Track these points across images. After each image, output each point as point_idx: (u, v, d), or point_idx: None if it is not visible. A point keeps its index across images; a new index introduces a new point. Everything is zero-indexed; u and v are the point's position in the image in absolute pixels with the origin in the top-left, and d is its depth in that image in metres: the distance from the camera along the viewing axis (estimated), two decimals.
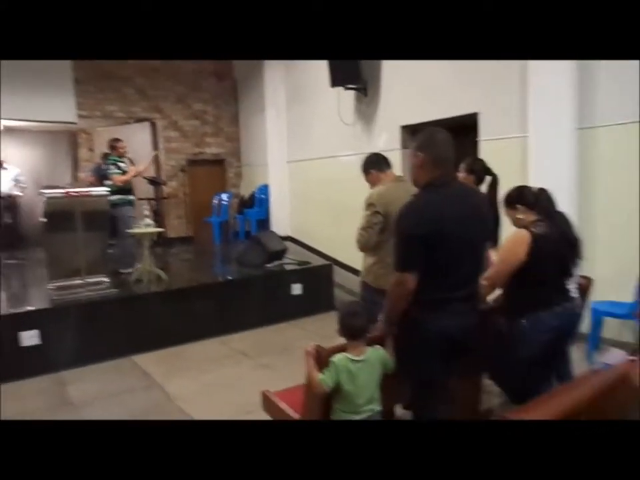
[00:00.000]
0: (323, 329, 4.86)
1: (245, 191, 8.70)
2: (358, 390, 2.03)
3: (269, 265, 5.45)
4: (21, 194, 7.70)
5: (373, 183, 2.90)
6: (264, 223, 7.88)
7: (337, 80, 5.72)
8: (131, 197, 5.35)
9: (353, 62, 5.54)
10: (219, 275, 6.13)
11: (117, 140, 5.45)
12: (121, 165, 5.33)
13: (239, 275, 5.43)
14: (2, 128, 7.93)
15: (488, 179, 2.97)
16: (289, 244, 6.56)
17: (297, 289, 5.26)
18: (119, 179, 5.19)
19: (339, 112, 6.17)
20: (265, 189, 8.01)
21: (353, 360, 2.03)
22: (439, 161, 1.92)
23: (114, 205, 5.05)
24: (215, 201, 8.25)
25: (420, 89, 5.19)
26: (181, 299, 4.66)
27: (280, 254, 5.64)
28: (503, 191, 2.59)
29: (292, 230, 7.61)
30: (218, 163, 8.82)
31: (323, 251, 6.73)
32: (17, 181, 7.71)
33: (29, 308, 4.19)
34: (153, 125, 8.28)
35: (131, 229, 4.96)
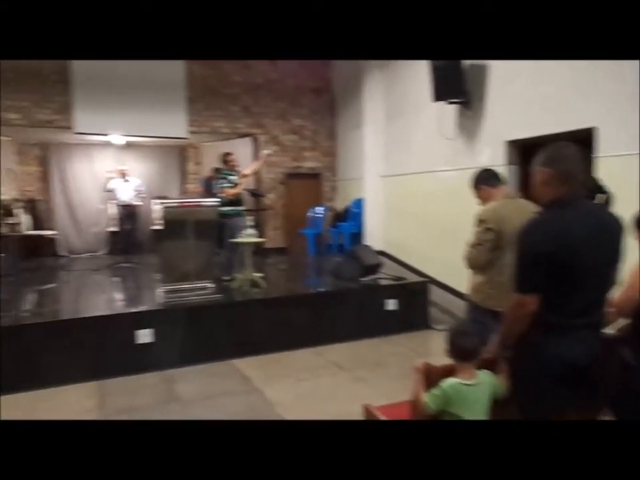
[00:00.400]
0: (418, 346, 4.77)
1: (340, 204, 8.80)
2: (467, 414, 1.96)
3: (363, 279, 5.44)
4: (140, 203, 8.40)
5: (483, 199, 2.81)
6: (357, 236, 7.90)
7: (440, 94, 5.63)
8: (241, 208, 5.64)
9: (457, 75, 5.42)
10: (313, 286, 6.23)
11: (229, 154, 5.76)
12: (232, 177, 5.63)
13: (334, 287, 5.47)
14: (124, 143, 8.76)
15: (600, 196, 2.76)
16: (383, 258, 6.53)
17: (391, 304, 5.20)
18: (230, 191, 5.50)
19: (439, 126, 6.08)
20: (359, 203, 8.05)
21: (464, 384, 1.96)
22: (567, 177, 1.82)
23: (225, 215, 5.36)
24: (310, 214, 8.42)
25: (529, 102, 4.95)
26: (278, 307, 4.80)
27: (375, 268, 5.62)
28: (619, 210, 2.40)
29: (385, 244, 7.56)
30: (314, 176, 9.03)
31: (417, 267, 6.61)
32: (137, 191, 8.42)
33: (145, 308, 4.53)
34: (255, 140, 8.67)
35: (235, 239, 5.20)
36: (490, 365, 2.04)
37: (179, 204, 4.71)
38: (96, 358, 4.01)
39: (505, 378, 2.00)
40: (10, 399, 3.54)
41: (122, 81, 7.37)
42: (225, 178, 5.61)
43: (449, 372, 2.01)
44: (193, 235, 4.67)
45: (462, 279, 3.07)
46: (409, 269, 6.66)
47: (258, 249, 7.70)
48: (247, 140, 8.71)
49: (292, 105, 8.74)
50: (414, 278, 5.88)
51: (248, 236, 5.07)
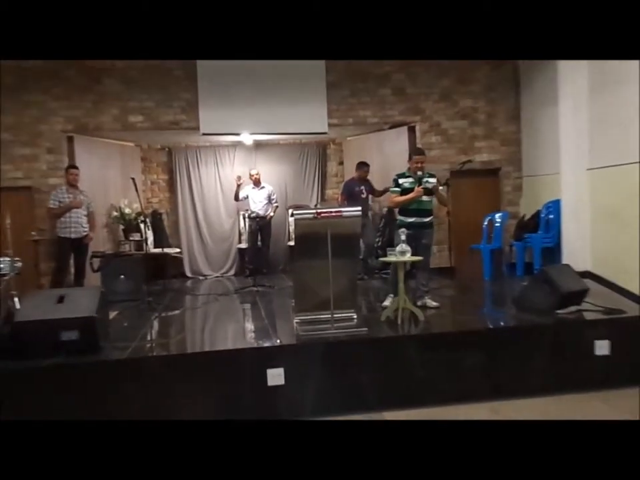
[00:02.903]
0: None
1: (527, 209, 8.43)
2: None
3: (561, 311, 5.20)
4: (272, 214, 8.97)
5: None
6: (552, 252, 7.52)
7: None
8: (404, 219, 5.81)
9: None
10: (490, 319, 6.02)
11: (420, 151, 6.03)
12: (405, 182, 5.81)
13: (519, 321, 5.30)
14: (251, 143, 9.45)
15: None
16: (588, 282, 6.18)
17: (602, 347, 4.83)
18: (396, 199, 5.77)
19: None
20: (554, 207, 7.62)
21: None
22: None
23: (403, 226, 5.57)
24: (486, 223, 8.19)
25: None
26: (441, 346, 4.72)
27: (577, 296, 5.35)
28: None
29: (593, 263, 7.05)
30: (490, 173, 8.78)
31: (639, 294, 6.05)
32: (270, 200, 9.02)
33: (278, 342, 4.81)
34: (411, 130, 8.71)
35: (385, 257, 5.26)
36: None
37: (315, 214, 4.88)
38: (221, 401, 4.33)
39: None
40: None
41: (249, 71, 7.96)
42: (395, 181, 5.88)
43: None
44: (332, 252, 4.81)
45: None
46: (629, 296, 6.12)
47: (413, 270, 7.72)
48: (401, 130, 8.80)
49: (459, 81, 8.62)
50: (634, 310, 5.40)
51: (400, 253, 5.08)
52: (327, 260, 4.81)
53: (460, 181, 8.62)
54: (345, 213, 4.95)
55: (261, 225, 8.90)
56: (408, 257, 5.12)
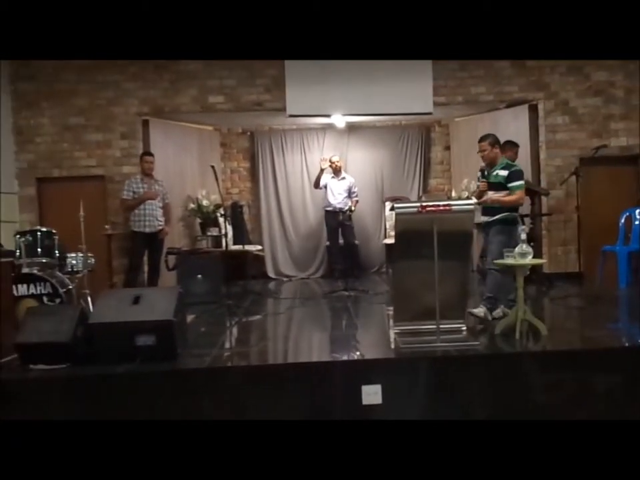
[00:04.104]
0: None
1: None
2: None
3: None
4: (353, 209, 8.96)
5: None
6: None
7: None
8: (504, 215, 5.60)
9: None
10: (627, 336, 5.76)
11: (480, 138, 5.78)
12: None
13: None
14: (343, 125, 9.49)
15: None
16: None
17: None
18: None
19: None
20: None
21: None
22: None
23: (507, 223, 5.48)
24: (622, 220, 7.87)
25: None
26: (565, 366, 4.55)
27: None
28: None
29: None
30: (629, 160, 8.47)
31: None
32: (351, 193, 9.03)
33: (373, 356, 4.80)
34: (533, 109, 8.48)
35: (499, 258, 5.14)
36: None
37: (419, 208, 4.83)
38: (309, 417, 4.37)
39: None
40: None
41: None
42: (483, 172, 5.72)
43: None
44: (439, 253, 4.75)
45: None
46: None
47: (535, 275, 7.50)
48: (522, 110, 8.60)
49: None
50: None
51: (520, 255, 4.94)
52: (432, 262, 4.75)
53: (592, 170, 8.32)
54: (455, 207, 4.87)
55: (340, 221, 8.91)
56: (529, 260, 4.97)
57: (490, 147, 5.61)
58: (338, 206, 8.94)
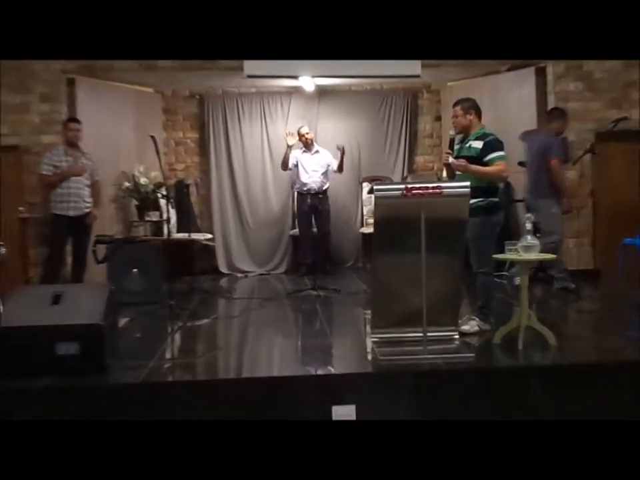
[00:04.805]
0: None
1: None
2: None
3: None
4: (325, 187, 8.93)
5: None
6: None
7: None
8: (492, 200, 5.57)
9: None
10: None
11: (455, 102, 5.80)
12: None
13: None
14: (313, 89, 9.41)
15: None
16: None
17: None
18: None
19: None
20: None
21: None
22: None
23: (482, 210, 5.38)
24: None
25: None
26: (579, 382, 4.58)
27: None
28: None
29: None
30: None
31: None
32: (327, 170, 8.97)
33: (346, 370, 4.78)
34: (540, 73, 8.51)
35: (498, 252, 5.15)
36: None
37: (403, 190, 4.79)
38: None
39: None
40: None
41: None
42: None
43: None
44: (427, 246, 4.72)
45: None
46: None
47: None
48: (526, 73, 8.63)
49: None
50: None
51: (525, 248, 4.93)
52: (418, 255, 4.73)
53: (610, 147, 8.40)
54: (446, 190, 4.84)
55: (314, 204, 8.85)
56: (536, 255, 4.97)
57: (463, 112, 5.59)
58: (313, 186, 8.89)
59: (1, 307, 5.17)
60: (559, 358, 4.94)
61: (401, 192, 4.80)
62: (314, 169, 8.94)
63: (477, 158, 5.38)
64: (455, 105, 5.71)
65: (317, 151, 9.04)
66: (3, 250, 5.76)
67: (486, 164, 5.35)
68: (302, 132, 8.98)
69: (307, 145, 9.00)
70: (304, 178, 8.92)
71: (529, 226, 5.05)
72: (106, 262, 7.39)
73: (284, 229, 9.81)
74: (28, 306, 4.51)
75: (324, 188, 8.98)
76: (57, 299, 4.50)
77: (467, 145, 5.53)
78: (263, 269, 9.79)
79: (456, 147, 5.67)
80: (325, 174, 9.01)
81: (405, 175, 9.66)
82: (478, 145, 5.43)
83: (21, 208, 6.88)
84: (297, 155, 8.96)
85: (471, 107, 5.63)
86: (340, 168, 8.88)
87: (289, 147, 8.86)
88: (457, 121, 5.61)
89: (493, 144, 5.40)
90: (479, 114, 5.67)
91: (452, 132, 5.69)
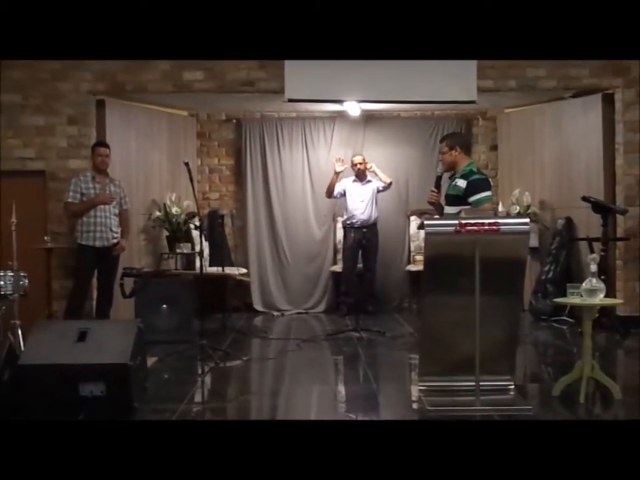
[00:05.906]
0: None
1: None
2: None
3: None
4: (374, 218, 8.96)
5: None
6: None
7: None
8: None
9: None
10: None
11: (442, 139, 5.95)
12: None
13: None
14: (358, 114, 9.47)
15: None
16: None
17: None
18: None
19: None
20: None
21: None
22: None
23: None
24: None
25: None
26: None
27: None
28: None
29: None
30: None
31: None
32: (375, 200, 8.99)
33: (385, 417, 4.80)
34: (608, 100, 8.50)
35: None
36: None
37: (457, 226, 4.80)
38: None
39: None
40: None
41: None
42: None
43: None
44: (482, 287, 4.71)
45: None
46: None
47: (606, 318, 7.45)
48: (592, 100, 8.61)
49: None
50: None
51: (588, 292, 4.91)
52: (472, 297, 4.72)
53: None
54: (504, 227, 4.84)
55: (362, 238, 8.72)
56: (600, 300, 4.93)
57: (447, 149, 5.60)
58: (361, 218, 8.92)
59: (22, 343, 5.26)
60: (624, 413, 4.87)
61: (454, 228, 4.79)
62: (362, 199, 8.98)
63: (462, 197, 5.45)
64: (441, 140, 5.84)
65: (369, 181, 9.09)
66: (26, 281, 5.84)
67: (470, 204, 5.38)
68: (355, 160, 9.03)
69: (360, 174, 9.04)
70: (353, 209, 8.95)
71: (593, 267, 5.01)
72: (134, 297, 7.45)
73: (324, 264, 9.82)
74: (51, 342, 4.54)
75: (372, 219, 9.00)
76: (82, 336, 4.53)
77: (454, 182, 5.58)
78: (300, 307, 9.81)
79: (446, 183, 5.76)
80: (375, 203, 9.05)
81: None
82: (462, 184, 5.47)
83: (45, 237, 6.96)
84: (346, 184, 9.01)
85: (457, 143, 5.64)
86: (385, 181, 9.01)
87: (337, 174, 8.92)
88: (443, 158, 5.68)
89: (476, 184, 5.43)
90: (466, 149, 5.72)
91: (439, 169, 5.83)
